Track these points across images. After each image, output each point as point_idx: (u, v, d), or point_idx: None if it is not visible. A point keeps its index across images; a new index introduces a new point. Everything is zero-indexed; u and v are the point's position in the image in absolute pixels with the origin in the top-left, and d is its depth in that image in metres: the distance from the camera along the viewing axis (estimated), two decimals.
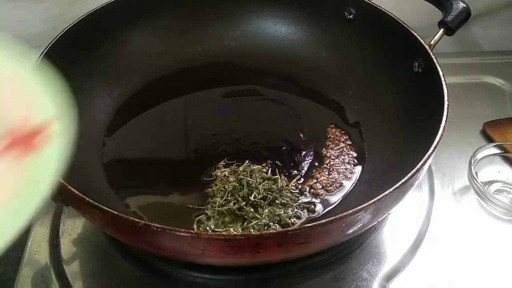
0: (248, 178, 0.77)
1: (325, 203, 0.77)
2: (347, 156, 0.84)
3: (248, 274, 0.73)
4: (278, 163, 0.82)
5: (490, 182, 0.84)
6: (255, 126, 0.90)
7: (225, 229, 0.72)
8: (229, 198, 0.75)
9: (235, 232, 0.72)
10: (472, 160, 0.83)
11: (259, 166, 0.80)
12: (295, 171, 0.81)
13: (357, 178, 0.81)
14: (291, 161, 0.83)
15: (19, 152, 0.42)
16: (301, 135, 0.87)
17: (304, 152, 0.84)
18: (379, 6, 0.88)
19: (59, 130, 0.43)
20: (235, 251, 0.59)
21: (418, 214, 0.81)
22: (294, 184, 0.79)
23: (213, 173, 0.80)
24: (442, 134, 0.67)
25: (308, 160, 0.83)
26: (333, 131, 0.88)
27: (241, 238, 0.58)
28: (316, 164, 0.83)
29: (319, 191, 0.79)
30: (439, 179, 0.86)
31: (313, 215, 0.76)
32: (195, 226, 0.73)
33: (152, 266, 0.74)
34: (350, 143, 0.86)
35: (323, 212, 0.76)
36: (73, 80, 0.84)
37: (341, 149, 0.85)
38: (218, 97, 0.95)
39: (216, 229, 0.73)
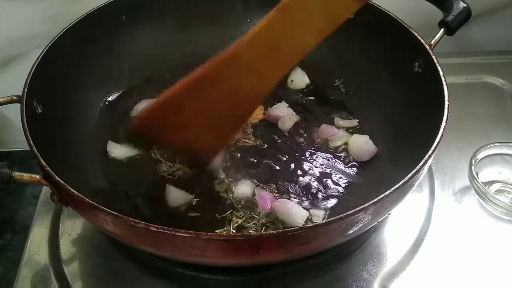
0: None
1: (324, 204, 0.77)
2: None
3: (248, 274, 0.73)
4: (279, 162, 0.83)
5: (491, 182, 0.84)
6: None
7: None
8: None
9: (233, 231, 0.72)
10: (473, 160, 0.83)
11: None
12: (295, 170, 0.82)
13: (357, 178, 0.81)
14: (292, 160, 0.83)
15: None
16: (302, 132, 0.88)
17: (303, 151, 0.85)
18: (379, 6, 0.87)
19: None
20: (235, 251, 0.58)
21: (418, 215, 0.80)
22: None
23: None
24: (442, 134, 0.67)
25: (308, 159, 0.83)
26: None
27: (241, 239, 0.58)
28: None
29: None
30: (440, 179, 0.86)
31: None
32: None
33: (152, 266, 0.74)
34: None
35: (324, 213, 0.76)
36: (73, 80, 0.85)
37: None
38: None
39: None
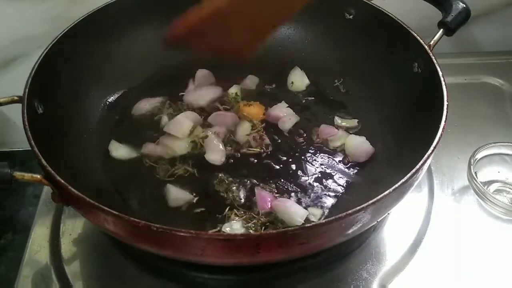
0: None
1: (324, 203, 0.77)
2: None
3: (248, 274, 0.74)
4: (279, 162, 0.83)
5: (490, 182, 0.85)
6: None
7: None
8: None
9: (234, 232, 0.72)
10: (472, 160, 0.83)
11: None
12: (295, 170, 0.82)
13: (356, 178, 0.81)
14: (291, 160, 0.83)
15: None
16: (301, 132, 0.88)
17: (303, 151, 0.85)
18: (379, 7, 0.88)
19: None
20: (235, 251, 0.59)
21: (417, 214, 0.81)
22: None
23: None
24: (441, 134, 0.68)
25: (308, 159, 0.84)
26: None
27: (241, 238, 0.59)
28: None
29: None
30: (439, 179, 0.86)
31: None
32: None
33: (152, 266, 0.74)
34: None
35: (322, 213, 0.76)
36: (74, 80, 0.85)
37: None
38: None
39: None
